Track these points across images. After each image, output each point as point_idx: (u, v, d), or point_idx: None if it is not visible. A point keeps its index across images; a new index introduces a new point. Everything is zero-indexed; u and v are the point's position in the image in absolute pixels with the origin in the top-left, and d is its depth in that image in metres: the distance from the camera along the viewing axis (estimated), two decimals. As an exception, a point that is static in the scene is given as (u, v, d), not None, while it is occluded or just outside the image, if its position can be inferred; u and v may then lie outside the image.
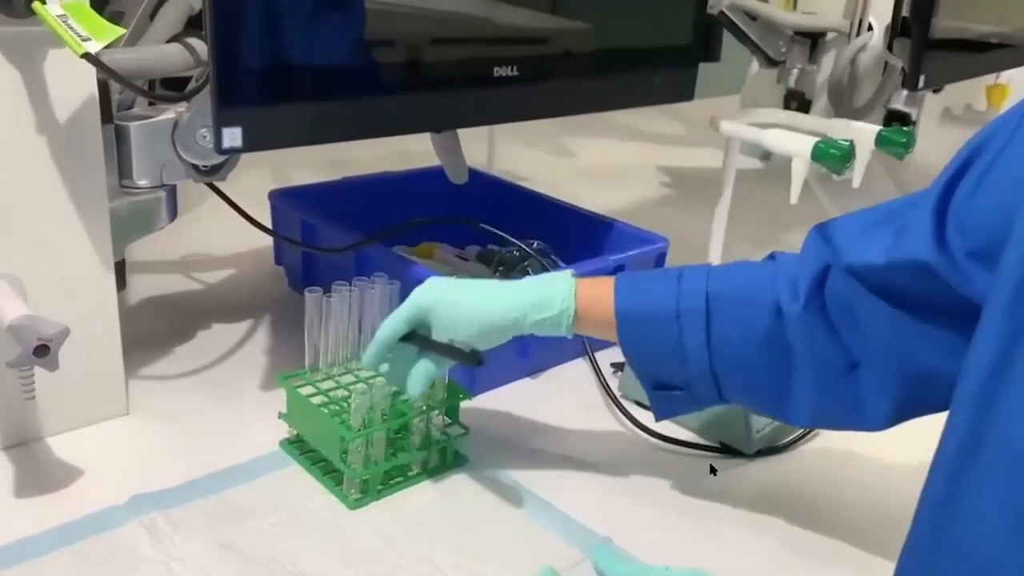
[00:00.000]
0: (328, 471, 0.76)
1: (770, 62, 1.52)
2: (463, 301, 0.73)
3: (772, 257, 0.71)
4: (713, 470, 0.82)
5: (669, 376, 0.71)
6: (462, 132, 0.96)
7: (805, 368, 0.66)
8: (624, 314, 0.71)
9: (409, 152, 1.34)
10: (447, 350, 0.72)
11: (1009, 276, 0.46)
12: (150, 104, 0.82)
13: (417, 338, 0.73)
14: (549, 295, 0.72)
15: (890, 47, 1.34)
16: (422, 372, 0.72)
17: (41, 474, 0.74)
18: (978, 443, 0.47)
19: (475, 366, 0.72)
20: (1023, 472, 0.44)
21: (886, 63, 1.43)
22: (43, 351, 0.66)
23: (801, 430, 0.87)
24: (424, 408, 0.77)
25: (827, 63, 1.54)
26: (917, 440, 0.75)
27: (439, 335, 0.73)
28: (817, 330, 0.65)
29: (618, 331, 0.71)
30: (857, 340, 0.64)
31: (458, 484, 0.77)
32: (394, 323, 0.73)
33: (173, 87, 0.83)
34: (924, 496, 0.52)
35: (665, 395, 0.72)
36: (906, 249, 0.58)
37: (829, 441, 0.87)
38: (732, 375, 0.68)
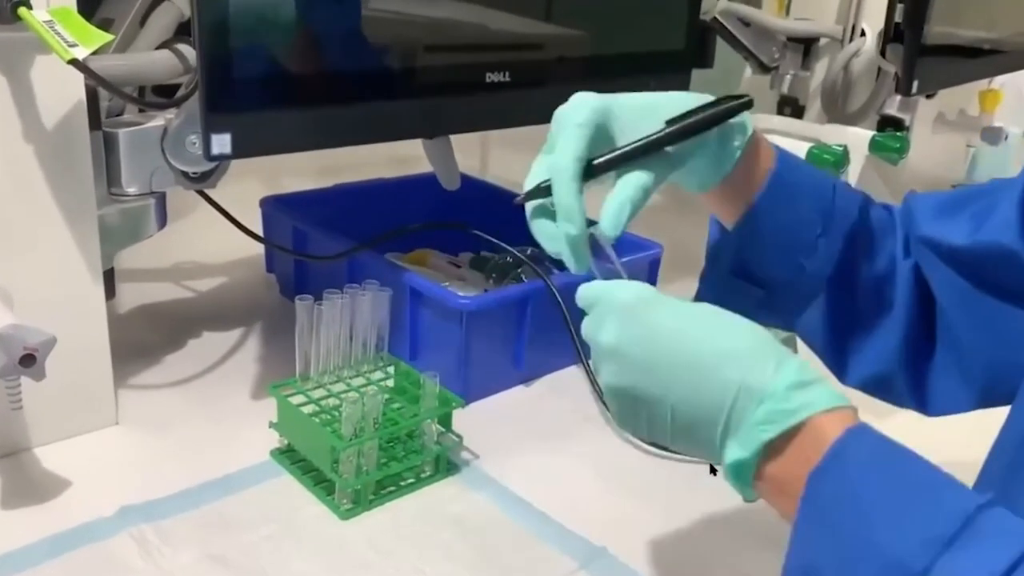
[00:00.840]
0: (319, 481, 0.75)
1: (763, 68, 1.52)
2: (639, 101, 0.59)
3: (888, 207, 0.67)
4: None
5: (771, 267, 0.64)
6: (455, 138, 0.95)
7: (898, 326, 0.64)
8: (781, 178, 0.62)
9: (402, 158, 1.33)
10: (702, 121, 0.56)
11: None
12: (140, 111, 0.82)
13: (617, 156, 0.56)
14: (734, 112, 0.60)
15: (883, 53, 1.34)
16: (635, 183, 0.56)
17: (29, 485, 0.74)
18: None
19: (749, 108, 0.58)
20: None
21: (879, 69, 1.43)
22: (29, 360, 0.65)
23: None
24: (416, 415, 0.77)
25: (820, 69, 1.54)
26: (911, 442, 0.74)
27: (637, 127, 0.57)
28: (919, 291, 0.64)
29: (763, 193, 0.61)
30: (937, 314, 0.63)
31: (451, 493, 0.77)
32: (573, 143, 0.55)
33: (167, 94, 0.83)
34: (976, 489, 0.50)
35: (737, 285, 0.65)
36: (989, 233, 0.57)
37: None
38: (831, 300, 0.64)
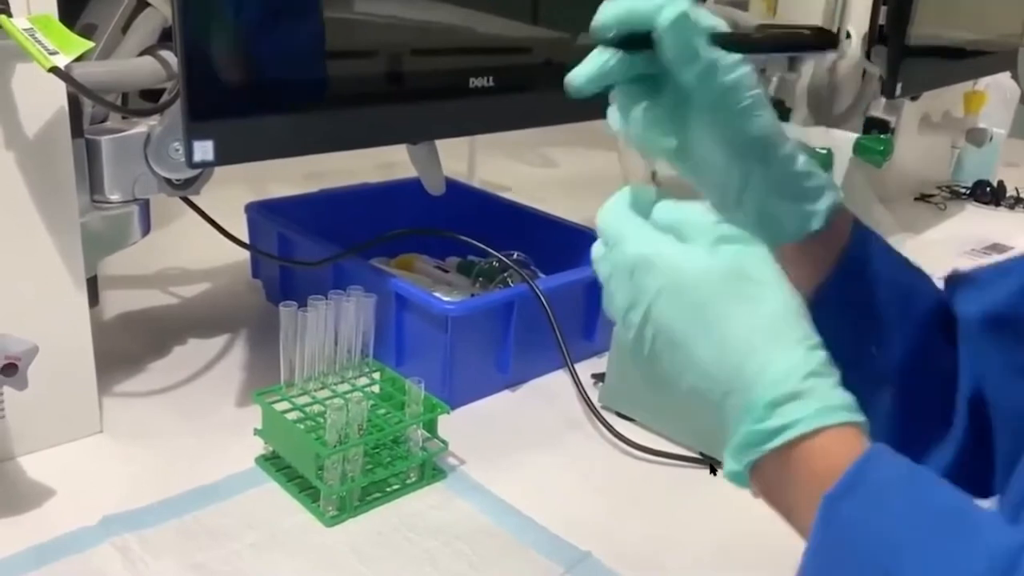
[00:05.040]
0: (304, 488, 0.75)
1: (749, 71, 1.53)
2: None
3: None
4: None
5: (840, 350, 0.49)
6: (443, 143, 0.95)
7: (954, 434, 0.55)
8: (858, 255, 0.54)
9: (388, 163, 1.33)
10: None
11: None
12: (123, 117, 0.81)
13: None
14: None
15: (868, 55, 1.35)
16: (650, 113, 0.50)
17: (11, 495, 0.73)
18: None
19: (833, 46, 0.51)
20: None
21: (864, 71, 1.44)
22: (11, 370, 0.65)
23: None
24: (402, 420, 0.77)
25: (806, 72, 1.54)
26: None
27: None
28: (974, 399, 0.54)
29: (837, 269, 0.54)
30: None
31: (436, 499, 0.76)
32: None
33: (155, 98, 0.82)
34: None
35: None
36: None
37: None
38: (900, 392, 0.55)
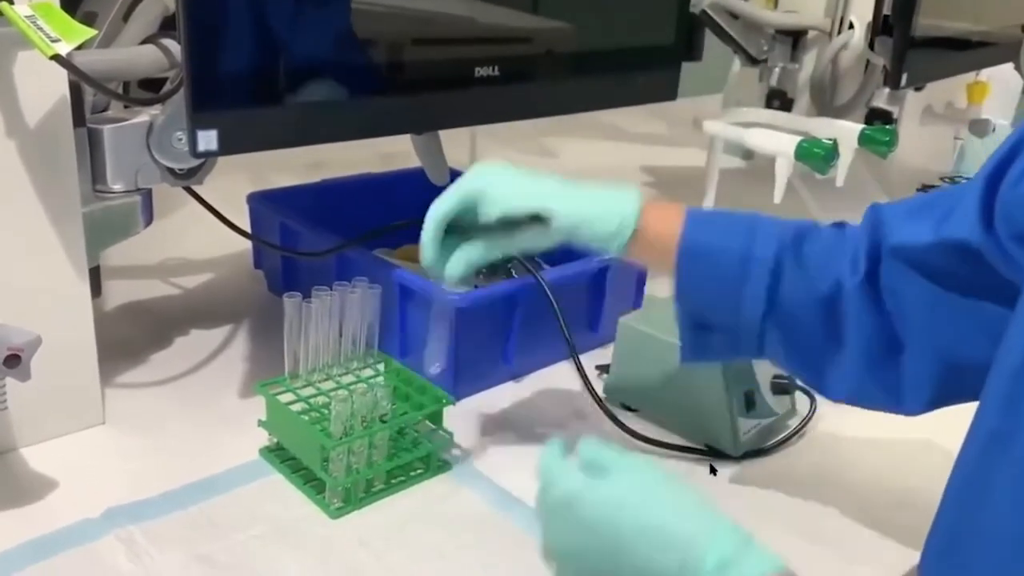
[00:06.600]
0: (309, 479, 0.75)
1: (752, 61, 1.52)
2: (521, 183, 0.70)
3: (840, 225, 0.70)
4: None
5: (715, 318, 0.69)
6: (443, 133, 0.94)
7: (855, 342, 0.66)
8: (690, 246, 0.68)
9: (390, 153, 1.33)
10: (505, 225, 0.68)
11: None
12: (125, 107, 0.81)
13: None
14: (610, 210, 0.70)
15: (871, 46, 1.34)
16: (465, 256, 0.70)
17: (14, 487, 0.73)
18: (1009, 431, 0.46)
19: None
20: None
21: (867, 61, 1.43)
22: (14, 361, 0.65)
23: (786, 432, 0.86)
24: (404, 413, 0.76)
25: (809, 62, 1.53)
26: (903, 438, 0.74)
27: (489, 213, 0.69)
28: (871, 306, 0.65)
29: (678, 262, 0.69)
30: (901, 322, 0.64)
31: (442, 491, 0.76)
32: (445, 203, 0.69)
33: (154, 88, 0.81)
34: (952, 482, 0.51)
35: (702, 336, 0.71)
36: (952, 230, 0.59)
37: (815, 442, 0.87)
38: (782, 333, 0.68)
